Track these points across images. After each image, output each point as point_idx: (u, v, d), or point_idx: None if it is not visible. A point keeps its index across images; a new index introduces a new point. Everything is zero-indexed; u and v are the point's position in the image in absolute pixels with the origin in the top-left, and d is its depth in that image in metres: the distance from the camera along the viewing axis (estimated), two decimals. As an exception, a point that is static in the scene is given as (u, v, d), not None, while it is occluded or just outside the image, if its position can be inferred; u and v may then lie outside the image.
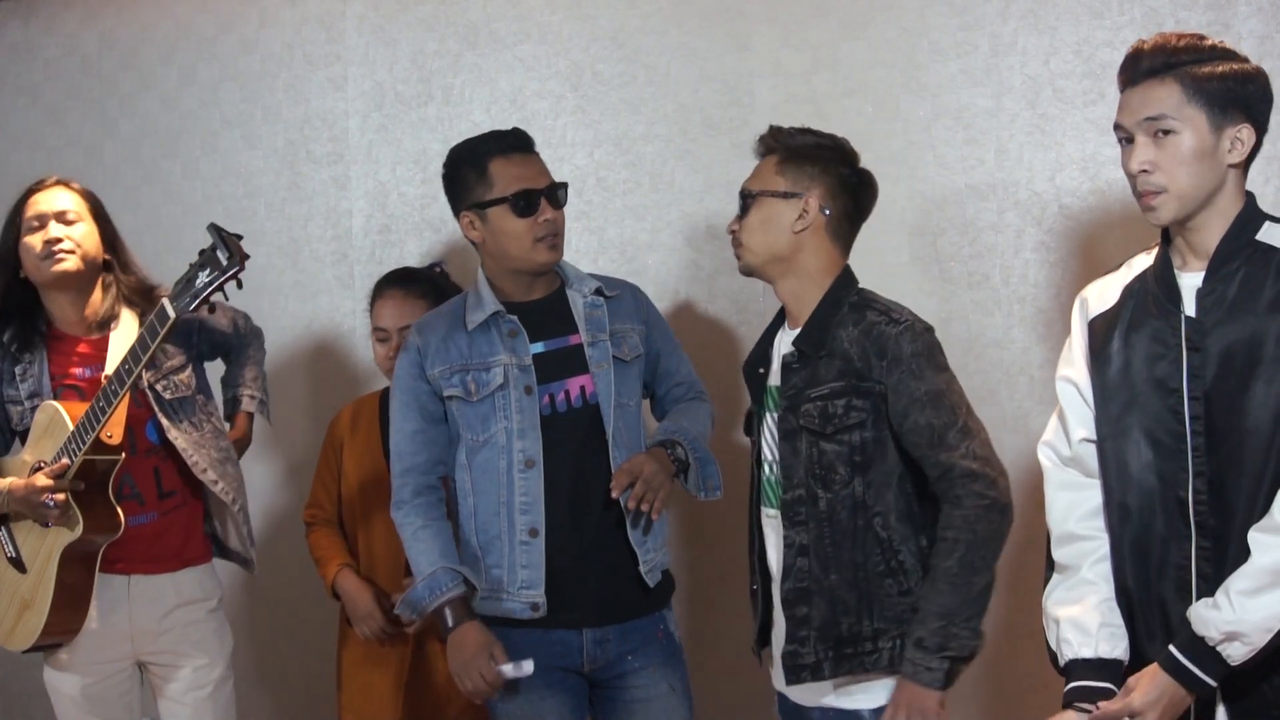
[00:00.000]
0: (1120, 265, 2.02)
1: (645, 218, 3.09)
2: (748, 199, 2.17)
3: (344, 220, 3.43)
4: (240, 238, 2.27)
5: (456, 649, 2.24)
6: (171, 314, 2.34)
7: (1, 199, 3.89)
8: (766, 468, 2.20)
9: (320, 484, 2.88)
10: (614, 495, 2.21)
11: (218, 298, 2.36)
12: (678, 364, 2.54)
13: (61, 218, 2.56)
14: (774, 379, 2.20)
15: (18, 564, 2.58)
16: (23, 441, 2.62)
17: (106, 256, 2.63)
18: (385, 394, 2.73)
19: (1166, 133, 1.80)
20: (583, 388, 2.34)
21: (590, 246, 3.13)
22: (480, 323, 2.34)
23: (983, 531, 1.97)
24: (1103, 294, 1.98)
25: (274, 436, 3.52)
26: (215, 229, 2.29)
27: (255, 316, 3.53)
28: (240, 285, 2.30)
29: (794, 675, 2.08)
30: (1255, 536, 1.73)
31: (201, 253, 2.30)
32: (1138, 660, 1.91)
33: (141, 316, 2.59)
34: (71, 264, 2.55)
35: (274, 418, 3.51)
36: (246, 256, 2.27)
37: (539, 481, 2.29)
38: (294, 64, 3.48)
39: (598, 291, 2.41)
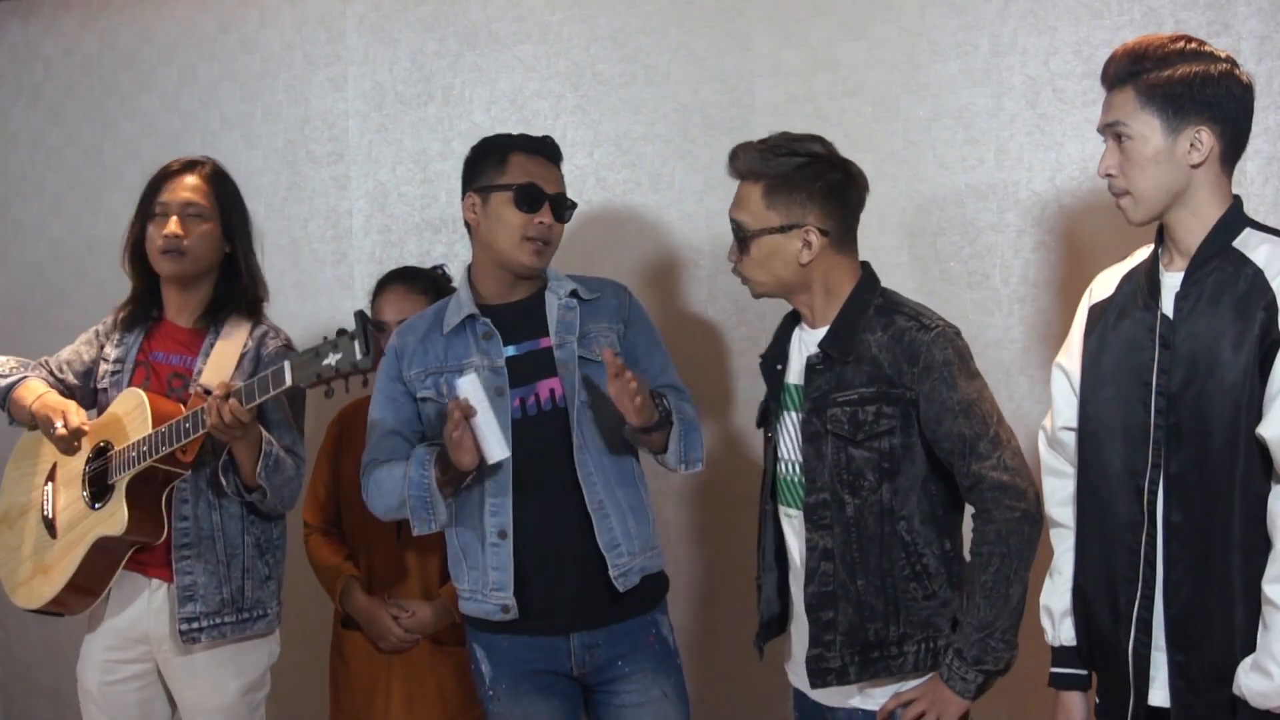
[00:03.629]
0: (1128, 256, 2.07)
1: (645, 217, 3.09)
2: (743, 236, 2.11)
3: (344, 220, 3.43)
4: (381, 331, 2.24)
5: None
6: (288, 381, 2.24)
7: (2, 199, 3.92)
8: (784, 466, 2.18)
9: (319, 484, 2.88)
10: (604, 359, 2.17)
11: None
12: (661, 368, 2.44)
13: (185, 210, 2.54)
14: (793, 377, 2.18)
15: (50, 526, 2.56)
16: (100, 400, 2.63)
17: (228, 250, 2.60)
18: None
19: (1125, 138, 1.87)
20: (552, 391, 2.32)
21: (590, 246, 3.12)
22: (456, 325, 2.35)
23: (1015, 544, 1.98)
24: (1105, 283, 2.04)
25: (274, 436, 3.52)
26: (362, 318, 2.18)
27: (255, 316, 3.53)
28: (365, 384, 2.27)
29: (819, 679, 2.08)
30: (1270, 589, 1.75)
31: (341, 332, 2.19)
32: (1091, 639, 1.99)
33: (251, 330, 2.58)
34: (181, 266, 2.53)
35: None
36: (378, 363, 2.22)
37: (508, 484, 2.28)
38: (294, 64, 3.48)
39: (573, 294, 2.39)
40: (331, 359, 2.17)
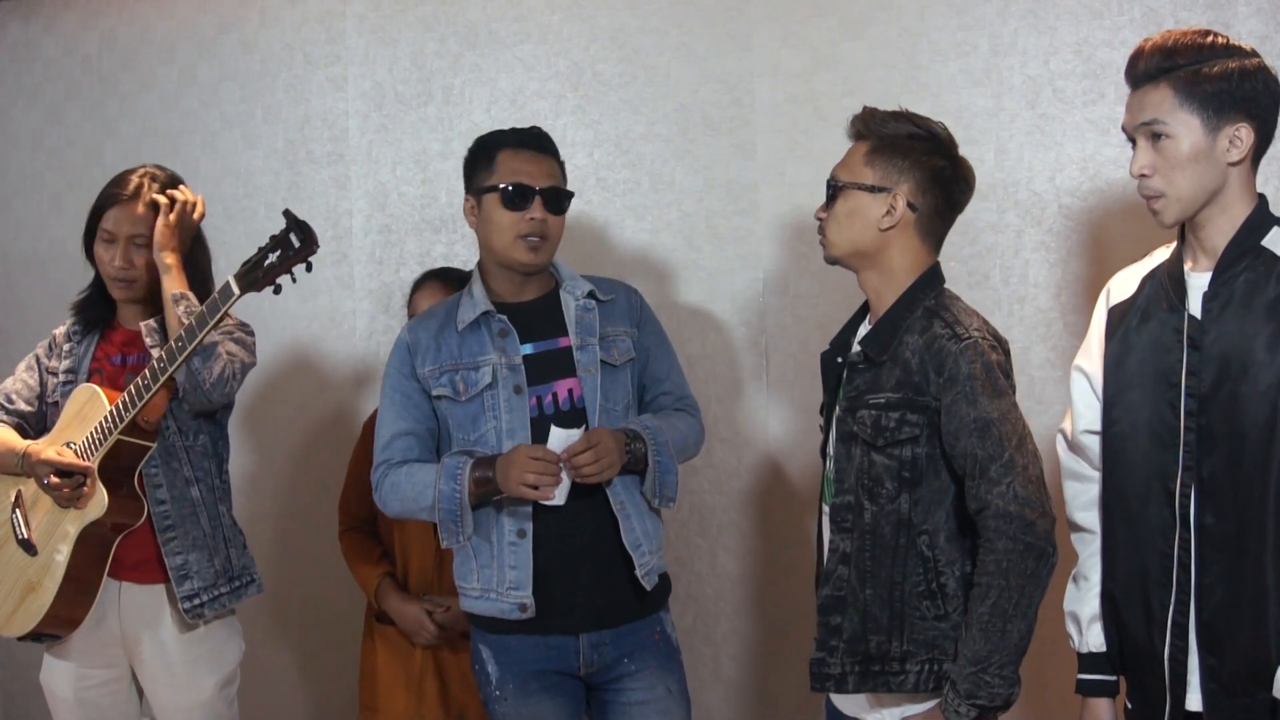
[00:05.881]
0: (1146, 256, 2.04)
1: (645, 218, 3.09)
2: (834, 188, 2.08)
3: (344, 220, 3.43)
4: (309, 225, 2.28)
5: (503, 471, 2.21)
6: (236, 290, 2.32)
7: (2, 199, 3.92)
8: (827, 462, 2.15)
9: (354, 482, 2.90)
10: (562, 462, 2.21)
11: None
12: (667, 370, 2.47)
13: (132, 241, 2.55)
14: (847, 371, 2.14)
15: (28, 546, 2.55)
16: (51, 416, 2.62)
17: None
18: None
19: (1162, 137, 1.82)
20: (570, 391, 2.32)
21: (590, 247, 3.13)
22: (470, 322, 2.34)
23: (1015, 578, 1.87)
24: (1124, 283, 2.01)
25: (277, 436, 3.52)
26: (289, 214, 2.30)
27: (255, 316, 3.53)
28: (310, 268, 2.31)
29: (818, 683, 2.05)
30: None
31: (272, 237, 2.29)
32: (1122, 643, 1.96)
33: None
34: (132, 292, 2.57)
35: (273, 418, 3.52)
36: (318, 243, 2.27)
37: None
38: (294, 64, 3.48)
39: (590, 294, 2.39)
40: (272, 257, 2.28)
